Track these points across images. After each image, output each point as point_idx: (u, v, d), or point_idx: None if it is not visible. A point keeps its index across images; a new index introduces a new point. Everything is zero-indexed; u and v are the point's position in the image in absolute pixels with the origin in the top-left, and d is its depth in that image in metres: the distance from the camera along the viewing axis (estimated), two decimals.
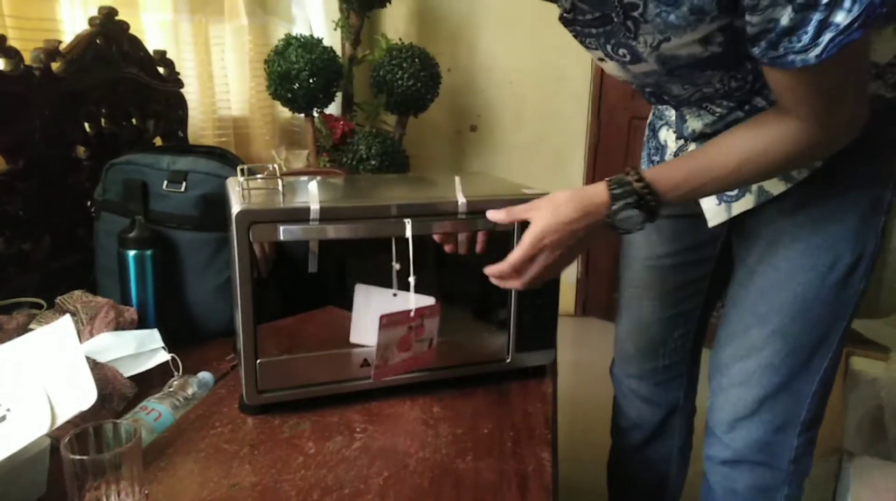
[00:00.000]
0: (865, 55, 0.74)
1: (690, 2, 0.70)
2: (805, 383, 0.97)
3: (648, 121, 1.18)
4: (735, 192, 0.96)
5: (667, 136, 1.09)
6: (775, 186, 0.92)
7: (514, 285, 0.92)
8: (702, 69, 0.83)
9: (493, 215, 0.95)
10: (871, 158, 0.89)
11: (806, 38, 0.66)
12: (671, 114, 1.07)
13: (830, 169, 0.88)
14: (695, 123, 0.97)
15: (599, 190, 0.87)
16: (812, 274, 0.92)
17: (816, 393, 0.98)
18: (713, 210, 1.01)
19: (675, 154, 1.07)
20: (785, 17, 0.65)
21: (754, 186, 0.94)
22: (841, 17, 0.64)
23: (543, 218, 0.87)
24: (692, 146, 1.02)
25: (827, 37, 0.65)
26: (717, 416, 1.05)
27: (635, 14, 0.76)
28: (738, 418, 1.01)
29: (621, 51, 0.84)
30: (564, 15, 0.86)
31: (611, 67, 0.90)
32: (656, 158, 1.12)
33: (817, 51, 0.66)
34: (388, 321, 0.92)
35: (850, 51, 0.66)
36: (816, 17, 0.64)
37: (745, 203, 0.96)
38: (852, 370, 1.44)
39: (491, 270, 0.92)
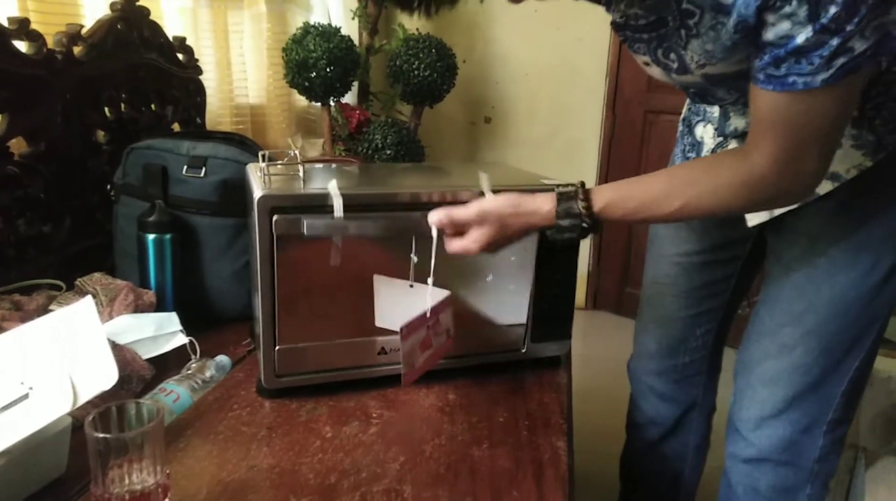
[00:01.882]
0: (857, 95, 0.71)
1: (738, 12, 0.67)
2: (835, 383, 0.96)
3: (682, 116, 1.15)
4: None
5: (703, 132, 1.07)
6: (822, 186, 0.89)
7: (452, 243, 0.90)
8: (748, 79, 0.79)
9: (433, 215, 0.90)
10: None
11: (818, 62, 0.64)
12: (712, 110, 1.04)
13: (877, 169, 0.86)
14: (738, 122, 0.96)
15: (547, 203, 0.86)
16: (852, 274, 0.90)
17: (846, 393, 0.97)
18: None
19: (713, 151, 1.04)
20: (801, 37, 0.64)
21: None
22: (859, 45, 0.63)
23: (491, 205, 0.87)
24: (733, 144, 1.00)
25: (840, 61, 0.64)
26: (742, 414, 1.04)
27: (690, 23, 0.74)
28: (765, 417, 1.00)
29: (672, 55, 0.81)
30: (616, 21, 0.84)
31: (655, 72, 0.89)
32: (692, 155, 1.10)
33: (826, 75, 0.65)
34: (409, 331, 0.91)
35: (850, 81, 0.65)
36: (836, 41, 0.63)
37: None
38: None
39: (434, 215, 0.89)
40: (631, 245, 2.94)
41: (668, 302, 1.20)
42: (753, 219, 1.00)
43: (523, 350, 1.09)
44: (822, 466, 1.00)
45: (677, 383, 1.24)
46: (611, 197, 0.83)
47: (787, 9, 0.63)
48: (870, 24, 0.62)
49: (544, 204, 0.85)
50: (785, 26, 0.64)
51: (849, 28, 0.61)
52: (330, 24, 2.22)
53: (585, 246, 3.03)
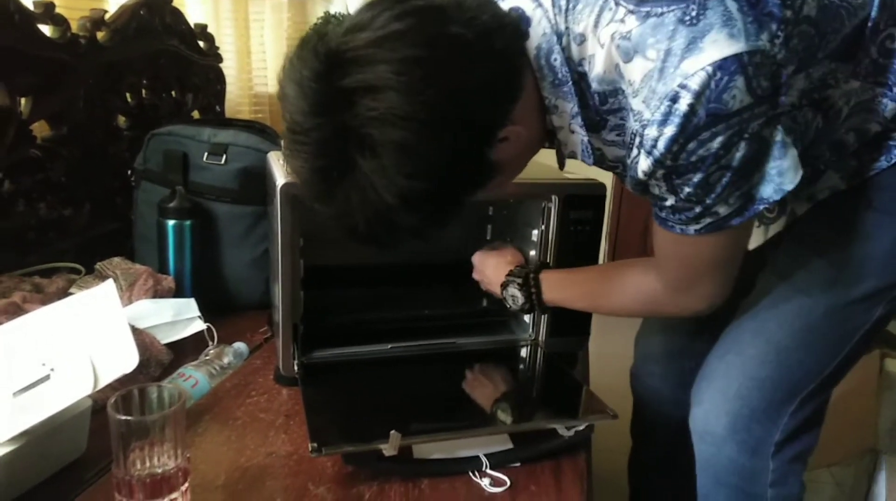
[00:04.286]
0: (742, 241, 0.76)
1: (634, 169, 0.69)
2: (785, 403, 0.89)
3: None
4: (773, 213, 0.92)
5: None
6: (799, 206, 0.88)
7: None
8: None
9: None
10: None
11: (686, 218, 0.70)
12: None
13: (867, 188, 0.82)
14: None
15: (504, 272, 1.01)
16: (826, 289, 0.85)
17: (797, 415, 0.89)
18: (753, 232, 0.93)
19: None
20: (670, 201, 0.69)
21: (787, 208, 0.90)
22: (723, 210, 0.68)
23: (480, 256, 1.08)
24: None
25: (707, 220, 0.69)
26: (692, 426, 0.96)
27: (618, 172, 0.79)
28: (710, 431, 0.93)
29: None
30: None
31: None
32: None
33: (697, 227, 0.70)
34: None
35: (727, 234, 0.71)
36: (698, 208, 0.68)
37: (779, 225, 0.92)
38: (886, 371, 1.42)
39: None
40: (646, 242, 2.92)
41: None
42: (753, 243, 0.93)
43: (541, 345, 1.09)
44: (778, 490, 0.92)
45: (682, 387, 1.19)
46: (558, 276, 0.98)
47: (653, 184, 0.68)
48: (732, 195, 0.67)
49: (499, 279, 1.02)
50: (656, 191, 0.69)
51: (708, 201, 0.67)
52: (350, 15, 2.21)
53: (601, 243, 3.01)
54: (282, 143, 0.67)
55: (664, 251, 0.79)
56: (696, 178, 0.65)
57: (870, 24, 0.72)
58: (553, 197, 1.01)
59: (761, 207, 0.68)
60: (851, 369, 0.91)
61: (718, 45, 0.59)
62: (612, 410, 0.88)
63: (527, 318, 1.10)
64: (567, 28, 0.69)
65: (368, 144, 0.60)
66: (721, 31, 0.60)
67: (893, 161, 0.79)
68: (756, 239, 0.94)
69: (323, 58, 0.60)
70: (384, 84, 0.58)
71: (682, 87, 0.60)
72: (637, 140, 0.66)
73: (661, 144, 0.63)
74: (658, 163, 0.65)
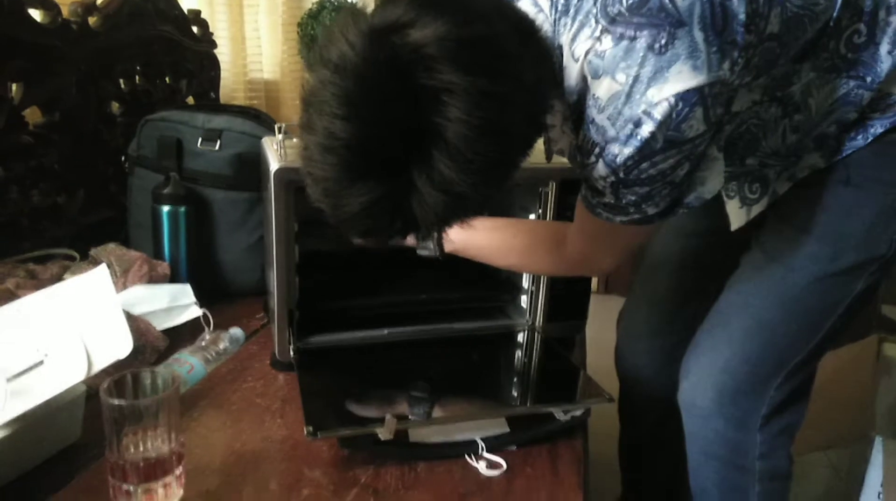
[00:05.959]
0: (651, 232, 0.82)
1: (589, 171, 0.73)
2: (772, 376, 0.91)
3: None
4: (756, 194, 0.92)
5: None
6: (781, 185, 0.89)
7: None
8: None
9: None
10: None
11: (618, 210, 0.75)
12: None
13: (845, 166, 0.84)
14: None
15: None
16: (807, 263, 0.87)
17: (782, 389, 0.91)
18: (735, 213, 0.95)
19: None
20: (609, 199, 0.73)
21: (769, 188, 0.91)
22: (652, 210, 0.74)
23: None
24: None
25: (635, 216, 0.75)
26: (680, 400, 0.98)
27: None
28: (698, 405, 0.94)
29: None
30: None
31: None
32: None
33: (624, 219, 0.75)
34: None
35: (647, 226, 0.77)
36: (633, 210, 0.73)
37: (761, 206, 0.92)
38: (884, 356, 1.42)
39: None
40: None
41: (662, 280, 1.16)
42: (736, 222, 0.95)
43: (538, 330, 1.08)
44: (766, 463, 0.94)
45: (665, 365, 1.19)
46: (458, 246, 0.96)
47: (601, 184, 0.72)
48: (664, 200, 0.72)
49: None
50: (600, 187, 0.73)
51: (644, 206, 0.73)
52: (346, 0, 2.20)
53: None
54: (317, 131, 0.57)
55: (584, 226, 0.83)
56: (642, 191, 0.71)
57: (831, 23, 0.74)
58: (550, 182, 1.01)
59: (682, 210, 0.75)
60: (836, 342, 0.92)
61: (682, 77, 0.62)
62: (609, 394, 0.88)
63: (524, 302, 1.09)
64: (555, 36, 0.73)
65: (449, 148, 0.55)
66: (686, 63, 0.62)
67: (870, 139, 0.81)
68: (739, 220, 0.95)
69: (396, 54, 0.55)
70: (467, 87, 0.54)
71: (646, 114, 0.64)
72: (596, 150, 0.70)
73: (619, 160, 0.68)
74: (612, 173, 0.69)
